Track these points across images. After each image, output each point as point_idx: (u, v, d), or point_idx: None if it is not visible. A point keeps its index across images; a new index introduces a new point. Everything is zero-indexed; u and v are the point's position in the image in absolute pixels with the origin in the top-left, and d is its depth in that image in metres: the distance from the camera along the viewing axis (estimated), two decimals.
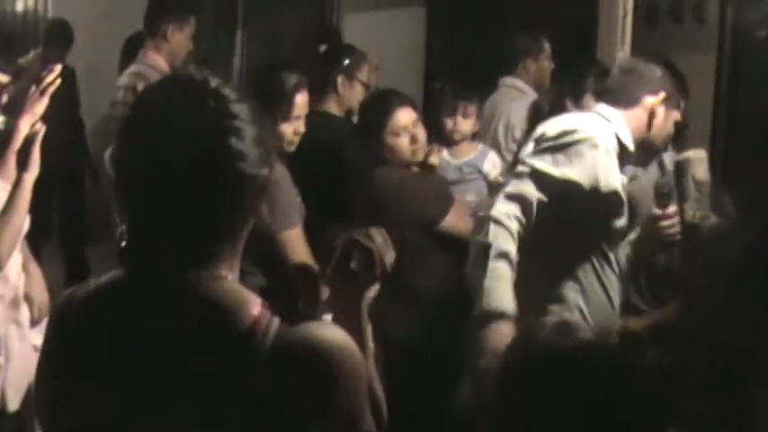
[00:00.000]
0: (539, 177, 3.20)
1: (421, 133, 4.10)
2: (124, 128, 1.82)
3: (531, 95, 5.66)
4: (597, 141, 3.26)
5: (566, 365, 1.72)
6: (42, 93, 3.30)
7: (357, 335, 1.91)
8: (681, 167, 3.48)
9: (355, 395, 1.80)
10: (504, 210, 3.15)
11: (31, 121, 3.27)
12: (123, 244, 1.80)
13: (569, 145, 3.25)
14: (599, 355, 1.76)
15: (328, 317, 2.04)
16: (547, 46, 5.80)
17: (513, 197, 3.17)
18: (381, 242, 2.02)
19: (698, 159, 3.47)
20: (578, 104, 4.70)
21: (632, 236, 3.55)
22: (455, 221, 4.06)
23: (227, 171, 1.73)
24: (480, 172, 4.86)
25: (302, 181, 3.77)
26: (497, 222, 3.12)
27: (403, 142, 4.04)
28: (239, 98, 1.79)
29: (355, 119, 4.80)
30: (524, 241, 3.15)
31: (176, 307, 1.76)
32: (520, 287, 3.13)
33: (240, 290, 1.80)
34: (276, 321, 1.74)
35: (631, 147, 3.37)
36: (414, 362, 3.96)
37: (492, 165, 4.91)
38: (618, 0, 6.72)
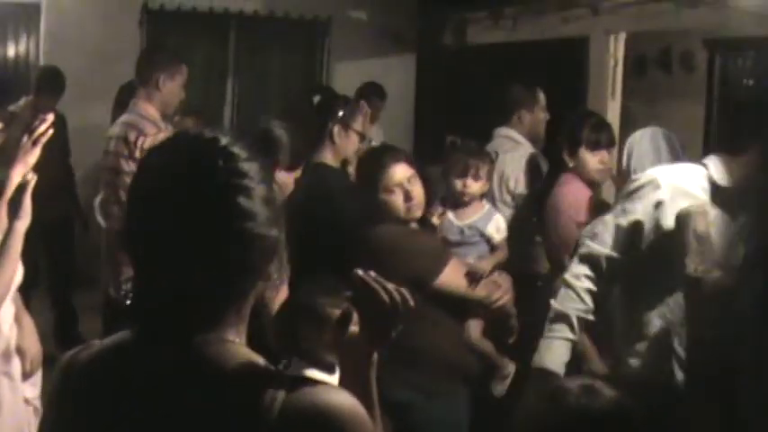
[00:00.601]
0: (610, 232, 3.41)
1: (417, 189, 4.03)
2: (132, 186, 1.79)
3: (526, 146, 5.66)
4: (660, 182, 3.36)
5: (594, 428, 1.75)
6: (35, 143, 3.28)
7: (365, 398, 1.87)
8: (682, 220, 3.46)
9: None
10: (575, 271, 3.44)
11: (23, 171, 3.25)
12: (129, 302, 1.77)
13: (635, 191, 3.41)
14: (625, 415, 1.80)
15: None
16: (542, 97, 5.81)
17: (583, 258, 3.44)
18: (402, 300, 1.95)
19: (699, 212, 3.44)
20: (574, 156, 4.70)
21: None
22: (450, 280, 4.01)
23: (235, 231, 1.70)
24: (483, 235, 4.64)
25: (298, 233, 3.74)
26: (567, 285, 3.41)
27: (397, 199, 3.98)
28: (249, 157, 1.76)
29: (351, 169, 4.78)
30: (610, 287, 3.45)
31: (181, 372, 1.72)
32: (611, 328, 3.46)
33: (247, 354, 1.76)
34: (284, 387, 1.69)
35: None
36: (416, 423, 3.92)
37: (495, 228, 4.65)
38: (608, 50, 6.77)
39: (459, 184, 4.62)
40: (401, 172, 4.00)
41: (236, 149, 1.75)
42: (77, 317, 7.34)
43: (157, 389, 1.72)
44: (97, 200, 5.51)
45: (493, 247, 4.58)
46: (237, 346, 1.76)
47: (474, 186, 4.63)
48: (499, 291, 4.17)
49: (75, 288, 7.44)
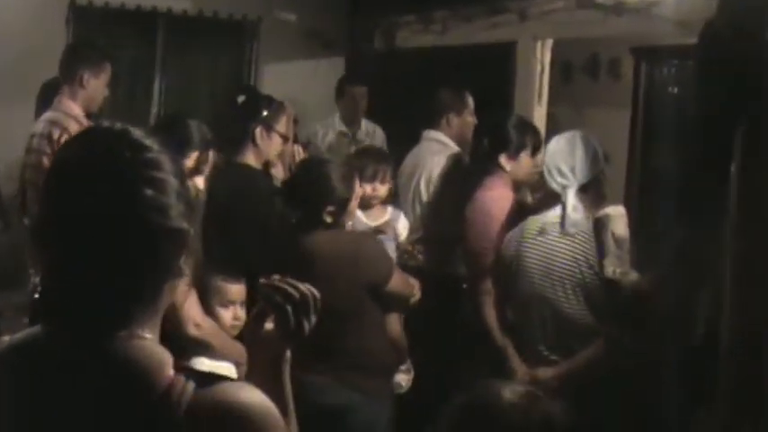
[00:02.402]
0: None
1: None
2: (44, 180, 1.76)
3: (454, 149, 5.68)
4: None
5: None
6: None
7: (278, 395, 1.85)
8: (600, 224, 3.50)
9: None
10: None
11: None
12: (36, 297, 1.74)
13: None
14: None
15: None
16: (470, 101, 5.83)
17: None
18: (302, 301, 1.95)
19: (617, 216, 3.49)
20: (512, 160, 4.70)
21: None
22: (399, 282, 4.13)
23: (145, 224, 1.68)
24: (394, 233, 4.95)
25: (218, 232, 3.73)
26: None
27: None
28: (161, 149, 1.74)
29: (274, 171, 4.77)
30: None
31: (90, 369, 1.69)
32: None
33: (157, 351, 1.73)
34: (192, 383, 1.68)
35: None
36: (355, 424, 3.93)
37: (403, 226, 5.07)
38: (535, 55, 6.81)
39: (368, 188, 4.86)
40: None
41: (147, 142, 1.73)
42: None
43: (65, 386, 1.70)
44: (19, 199, 5.43)
45: (399, 246, 4.89)
46: (148, 342, 1.73)
47: (382, 189, 4.97)
48: (415, 287, 4.31)
49: None
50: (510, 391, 1.92)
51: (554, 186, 3.97)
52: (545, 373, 3.91)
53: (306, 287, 1.95)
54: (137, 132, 1.75)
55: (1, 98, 7.34)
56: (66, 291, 1.71)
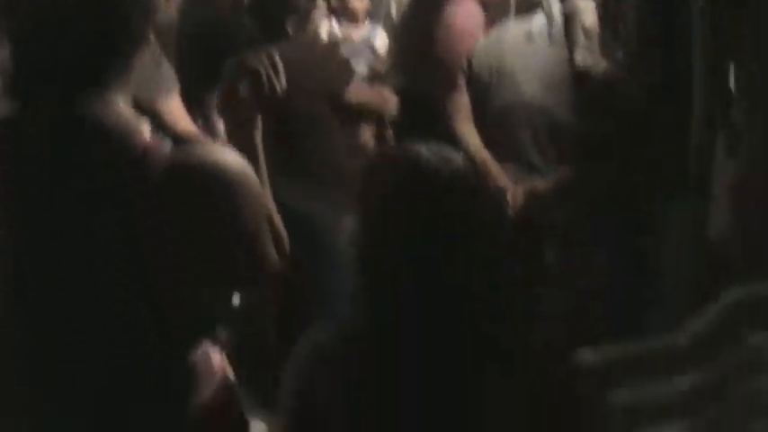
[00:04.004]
0: None
1: None
2: None
3: None
4: None
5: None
6: None
7: (251, 158, 1.90)
8: (569, 16, 3.51)
9: (253, 216, 1.81)
10: None
11: None
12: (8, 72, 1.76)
13: None
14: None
15: None
16: None
17: None
18: (271, 65, 2.01)
19: (586, 8, 3.50)
20: None
21: None
22: (358, 93, 4.11)
23: None
24: (371, 47, 4.94)
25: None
26: None
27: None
28: None
29: None
30: None
31: (68, 135, 1.74)
32: None
33: (132, 115, 1.78)
34: (168, 144, 1.73)
35: None
36: (321, 233, 3.98)
37: (382, 41, 5.02)
38: None
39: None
40: None
41: None
42: None
43: (46, 157, 1.74)
44: None
45: (379, 59, 4.86)
46: (122, 109, 1.77)
47: (357, 3, 4.98)
48: (390, 101, 4.32)
49: None
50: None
51: None
52: (541, 185, 3.90)
53: (272, 53, 2.02)
54: None
55: None
56: (37, 61, 1.74)
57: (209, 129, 3.66)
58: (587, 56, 3.42)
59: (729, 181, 3.38)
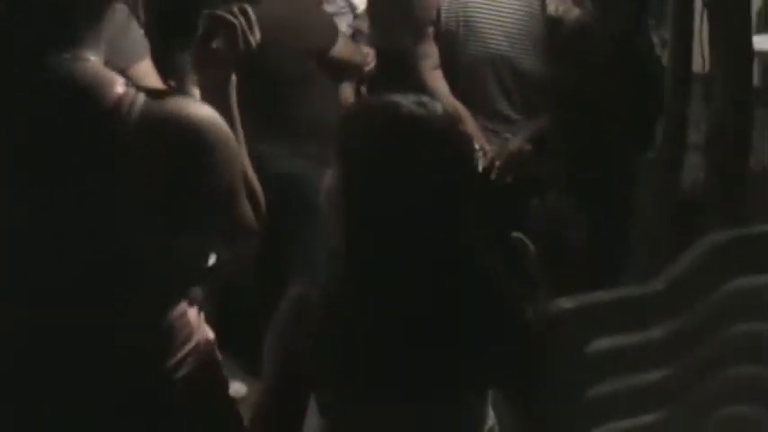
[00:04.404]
0: None
1: None
2: None
3: None
4: None
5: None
6: None
7: (226, 116, 1.88)
8: None
9: (228, 171, 1.79)
10: None
11: None
12: None
13: None
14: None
15: None
16: None
17: None
18: (245, 19, 1.99)
19: None
20: None
21: None
22: (342, 49, 4.11)
23: None
24: (350, 4, 4.92)
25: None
26: None
27: None
28: None
29: None
30: None
31: (38, 90, 1.72)
32: None
33: (104, 70, 1.76)
34: (142, 97, 1.71)
35: None
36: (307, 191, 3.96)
37: None
38: None
39: None
40: None
41: None
42: None
43: (15, 110, 1.72)
44: None
45: (355, 17, 4.82)
46: (94, 63, 1.76)
47: None
48: (369, 56, 4.33)
49: None
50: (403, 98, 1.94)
51: None
52: (520, 141, 3.91)
53: (246, 7, 1.99)
54: None
55: None
56: (6, 15, 1.73)
57: (182, 91, 3.61)
58: (558, 3, 3.41)
59: (705, 127, 3.39)
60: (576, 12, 3.44)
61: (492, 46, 3.93)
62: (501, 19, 3.90)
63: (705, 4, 3.30)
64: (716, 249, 2.49)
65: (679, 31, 3.31)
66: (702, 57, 3.38)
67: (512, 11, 3.86)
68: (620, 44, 3.31)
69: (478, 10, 3.96)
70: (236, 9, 1.99)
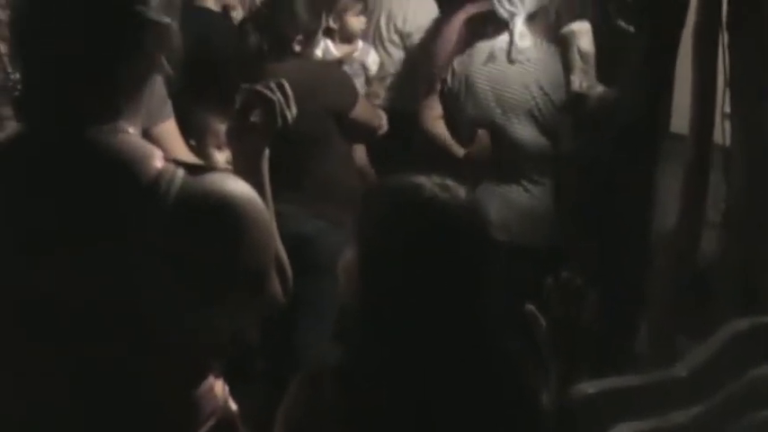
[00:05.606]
0: None
1: None
2: None
3: None
4: None
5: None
6: None
7: (258, 188, 1.88)
8: (565, 39, 3.52)
9: (261, 248, 1.79)
10: None
11: None
12: (17, 95, 1.74)
13: None
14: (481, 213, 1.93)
15: None
16: None
17: None
18: (282, 95, 2.00)
19: (582, 31, 3.51)
20: None
21: None
22: (364, 111, 4.15)
23: (125, 14, 1.68)
24: (363, 67, 4.97)
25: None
26: None
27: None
28: None
29: (234, 14, 4.73)
30: None
31: (77, 162, 1.71)
32: None
33: (143, 143, 1.75)
34: (181, 173, 1.70)
35: None
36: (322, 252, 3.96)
37: (373, 61, 5.06)
38: None
39: (339, 21, 4.89)
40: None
41: None
42: None
43: (54, 183, 1.71)
44: None
45: (367, 79, 4.91)
46: (133, 136, 1.75)
47: (356, 22, 4.97)
48: (382, 117, 4.37)
49: None
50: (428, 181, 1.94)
51: (502, 13, 3.96)
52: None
53: (277, 83, 2.00)
54: None
55: None
56: (45, 83, 1.72)
57: (200, 151, 3.60)
58: (584, 78, 3.43)
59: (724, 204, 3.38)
60: (600, 88, 3.47)
61: (487, 113, 4.00)
62: (498, 88, 3.96)
63: (727, 81, 3.31)
64: (738, 337, 2.48)
65: (701, 107, 3.30)
66: (723, 128, 3.38)
67: (510, 81, 3.94)
68: (638, 112, 3.35)
69: (479, 76, 4.01)
70: (273, 85, 2.00)
